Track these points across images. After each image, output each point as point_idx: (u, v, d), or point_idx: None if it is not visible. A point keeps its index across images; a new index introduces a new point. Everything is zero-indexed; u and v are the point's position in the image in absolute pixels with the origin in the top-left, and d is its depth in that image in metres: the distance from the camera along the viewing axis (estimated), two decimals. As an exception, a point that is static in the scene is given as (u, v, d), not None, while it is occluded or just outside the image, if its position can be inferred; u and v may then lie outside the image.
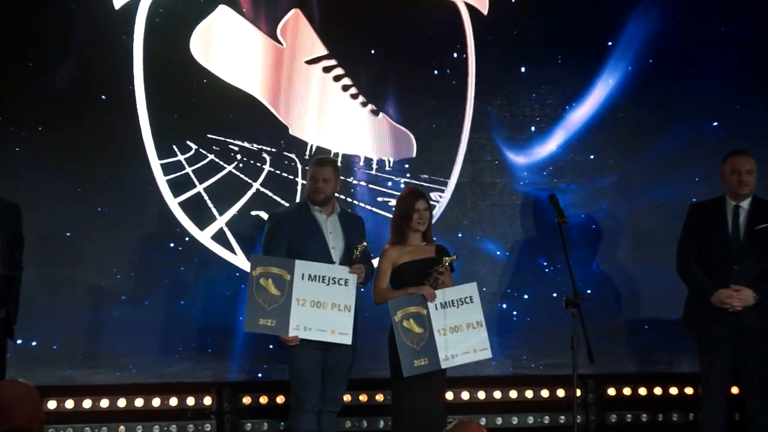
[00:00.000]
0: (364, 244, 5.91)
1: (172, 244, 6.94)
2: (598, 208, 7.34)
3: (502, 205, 7.28)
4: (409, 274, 5.91)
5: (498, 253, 7.27)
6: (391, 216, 6.37)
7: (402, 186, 7.01)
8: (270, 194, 7.02)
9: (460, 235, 7.23)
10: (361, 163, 7.15)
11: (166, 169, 6.92)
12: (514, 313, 7.24)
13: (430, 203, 6.09)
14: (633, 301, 7.31)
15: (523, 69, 7.30)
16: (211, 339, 6.91)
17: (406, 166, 7.20)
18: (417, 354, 5.73)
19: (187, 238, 6.96)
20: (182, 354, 6.89)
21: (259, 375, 6.97)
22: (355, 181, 7.13)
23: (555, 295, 7.02)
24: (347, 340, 5.83)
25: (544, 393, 7.20)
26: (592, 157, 7.34)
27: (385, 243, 6.09)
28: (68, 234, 6.82)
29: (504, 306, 7.24)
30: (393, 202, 6.75)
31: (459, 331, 5.80)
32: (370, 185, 7.15)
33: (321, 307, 5.76)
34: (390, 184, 7.14)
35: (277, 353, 6.67)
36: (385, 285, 5.97)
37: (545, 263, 7.25)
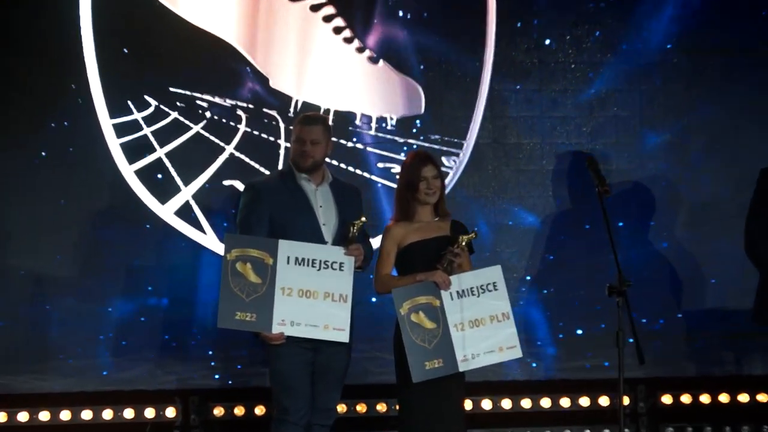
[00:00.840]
0: (363, 219, 5.73)
1: (126, 222, 6.92)
2: (647, 175, 7.31)
3: (529, 170, 7.25)
4: (418, 256, 5.79)
5: (525, 229, 7.24)
6: (395, 186, 6.35)
7: (408, 149, 7.02)
8: (246, 160, 6.99)
9: (478, 208, 7.20)
10: (358, 122, 7.14)
11: (120, 130, 6.89)
12: (546, 303, 7.20)
13: (441, 170, 5.95)
14: (692, 288, 7.28)
15: (553, 7, 7.24)
16: (176, 337, 6.91)
17: (416, 123, 7.18)
18: (429, 354, 5.62)
19: (145, 215, 6.93)
20: (140, 355, 6.88)
21: (234, 381, 6.99)
22: (350, 144, 7.10)
23: (594, 280, 6.80)
24: (344, 337, 5.70)
25: (584, 401, 7.15)
26: (639, 112, 7.31)
27: (389, 219, 5.97)
28: (-2, 211, 7.01)
29: (533, 295, 7.21)
30: (397, 168, 6.82)
31: (480, 325, 5.68)
32: (368, 148, 7.12)
33: (311, 297, 5.69)
34: (393, 146, 7.13)
35: (257, 354, 6.63)
36: (389, 270, 5.85)
37: (583, 242, 7.17)
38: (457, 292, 5.68)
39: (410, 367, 5.58)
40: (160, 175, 6.89)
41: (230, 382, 6.91)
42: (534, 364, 7.08)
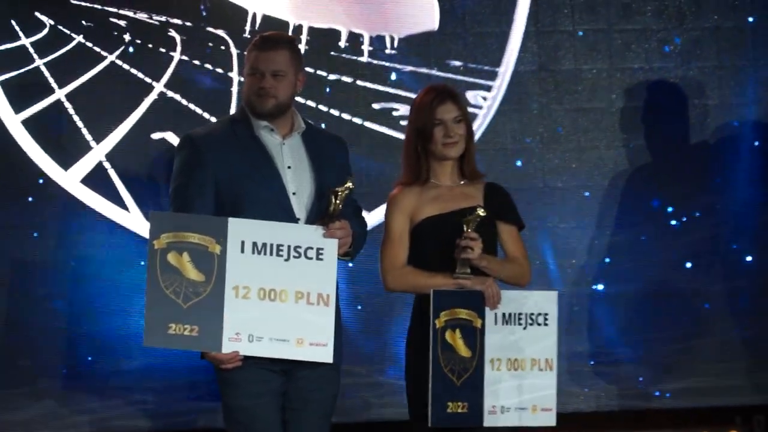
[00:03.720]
0: (349, 185, 5.47)
1: (10, 196, 6.96)
2: (766, 112, 7.27)
3: (592, 110, 7.21)
4: (432, 239, 5.66)
5: (585, 195, 7.20)
6: (399, 136, 6.51)
7: (416, 82, 7.03)
8: (183, 102, 7.01)
9: (518, 165, 7.19)
10: (343, 43, 7.16)
11: (2, 61, 6.94)
12: (624, 297, 7.19)
13: (466, 110, 5.70)
14: None
15: None
16: (87, 360, 6.91)
17: (427, 45, 7.17)
18: (455, 392, 5.58)
19: (38, 184, 6.97)
20: (35, 387, 6.90)
21: (172, 421, 7.01)
22: (332, 76, 7.11)
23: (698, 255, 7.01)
24: (326, 355, 5.52)
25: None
26: (751, 22, 7.23)
27: (393, 185, 5.82)
28: None
29: (601, 287, 7.17)
30: (401, 110, 6.93)
31: (519, 368, 5.74)
32: (359, 81, 7.10)
33: (277, 300, 5.57)
34: (396, 78, 7.13)
35: (203, 383, 6.79)
36: (405, 256, 5.72)
37: (676, 210, 7.15)
38: (503, 315, 5.68)
39: (430, 404, 5.49)
40: (59, 128, 6.92)
41: (164, 423, 6.94)
42: (600, 389, 6.97)
